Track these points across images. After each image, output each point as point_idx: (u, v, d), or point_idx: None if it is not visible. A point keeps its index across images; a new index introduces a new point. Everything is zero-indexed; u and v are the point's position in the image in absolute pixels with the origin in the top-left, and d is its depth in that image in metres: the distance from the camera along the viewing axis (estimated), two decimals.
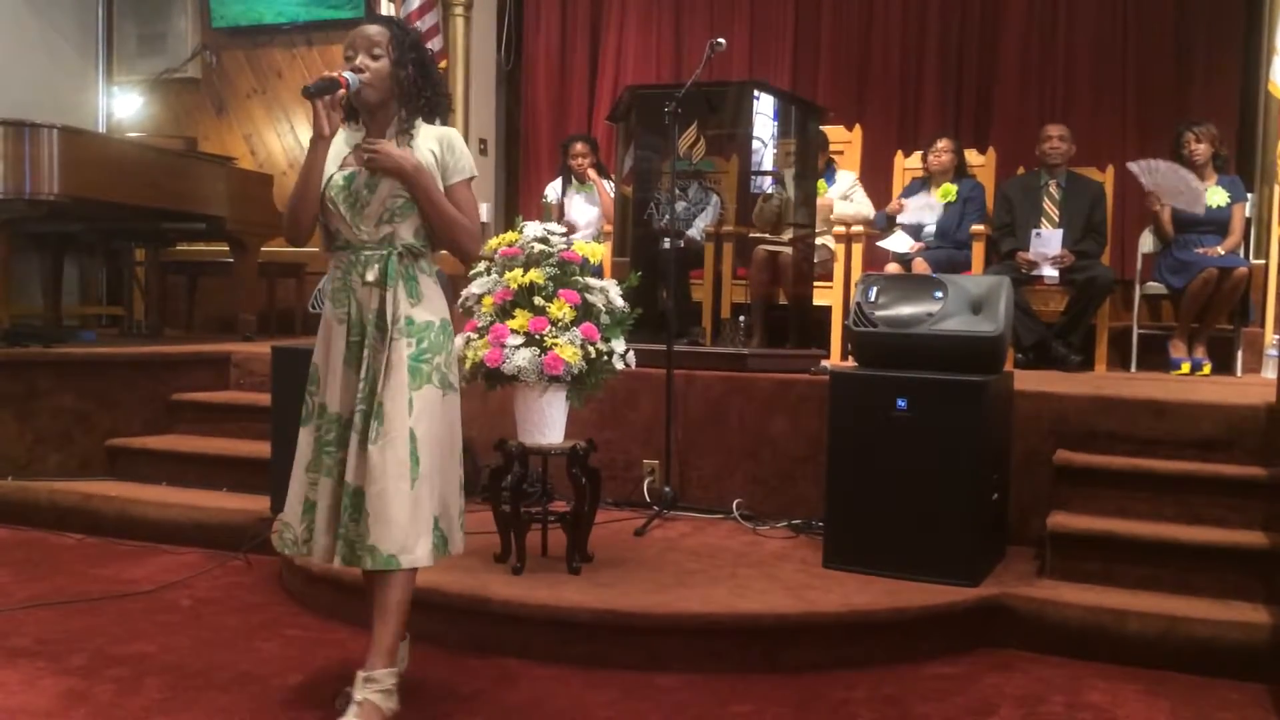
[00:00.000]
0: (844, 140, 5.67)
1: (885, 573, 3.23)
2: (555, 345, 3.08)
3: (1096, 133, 5.88)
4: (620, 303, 3.25)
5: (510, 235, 3.26)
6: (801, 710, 2.65)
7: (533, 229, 3.23)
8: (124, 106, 7.62)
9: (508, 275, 3.16)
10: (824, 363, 4.40)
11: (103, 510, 4.25)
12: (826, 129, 5.35)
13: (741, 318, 4.51)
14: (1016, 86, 6.12)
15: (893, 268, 5.16)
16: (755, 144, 4.67)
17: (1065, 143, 5.26)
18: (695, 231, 4.99)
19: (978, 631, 3.08)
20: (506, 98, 7.26)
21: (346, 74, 2.39)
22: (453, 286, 3.74)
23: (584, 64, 7.05)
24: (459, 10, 6.65)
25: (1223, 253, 4.92)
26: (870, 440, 3.30)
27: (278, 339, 5.45)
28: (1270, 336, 4.89)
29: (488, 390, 3.22)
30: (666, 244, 4.22)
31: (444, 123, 2.56)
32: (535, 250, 3.18)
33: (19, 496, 4.38)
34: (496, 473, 3.29)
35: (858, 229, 5.26)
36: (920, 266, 5.06)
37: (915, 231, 5.39)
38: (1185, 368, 4.89)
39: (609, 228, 5.50)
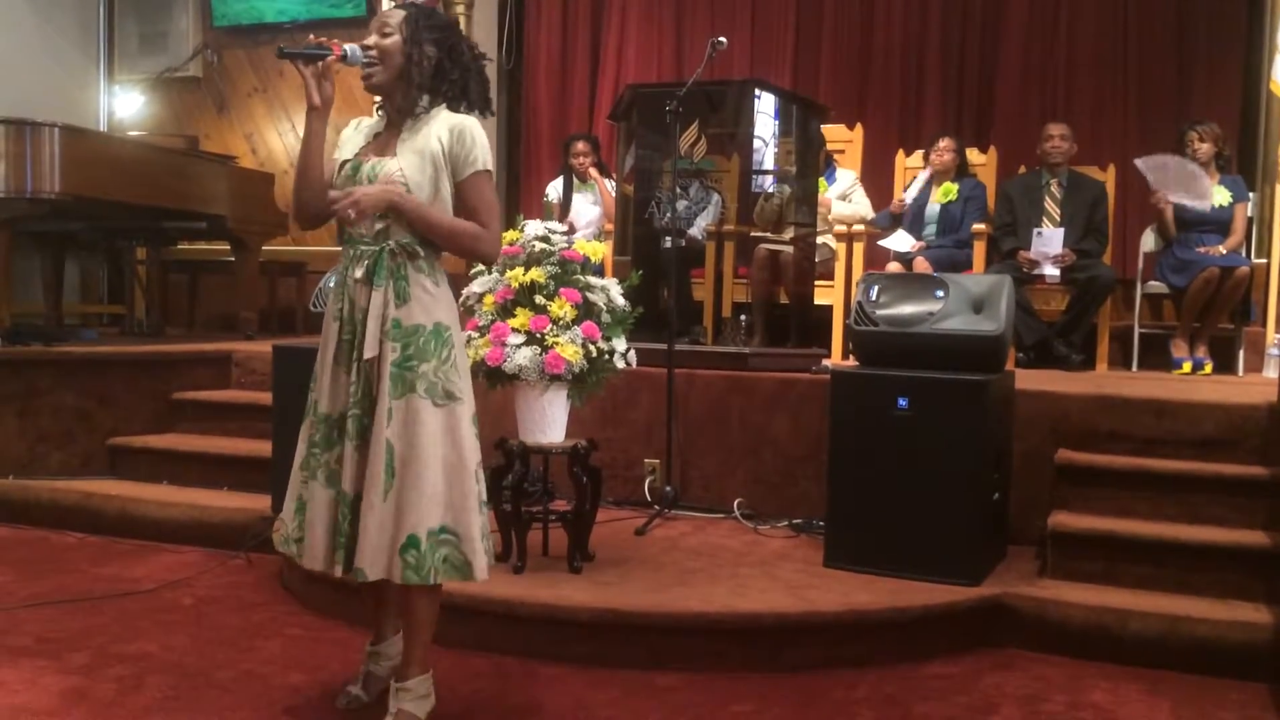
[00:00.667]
0: (845, 139, 5.67)
1: (886, 572, 3.23)
2: (556, 344, 3.08)
3: (1098, 132, 5.89)
4: (621, 302, 3.25)
5: (511, 234, 3.26)
6: (802, 709, 2.65)
7: (534, 228, 3.23)
8: (125, 105, 7.63)
9: (509, 274, 3.16)
10: (825, 362, 4.40)
11: (104, 509, 4.25)
12: (828, 128, 5.35)
13: (743, 317, 4.51)
14: (1018, 85, 6.12)
15: (894, 267, 5.16)
16: (756, 143, 4.67)
17: (1067, 142, 5.25)
18: (696, 230, 4.98)
19: (979, 631, 3.08)
20: (508, 96, 7.26)
21: (346, 45, 2.27)
22: (454, 285, 3.74)
23: (585, 62, 7.05)
24: (460, 9, 6.64)
25: (1224, 252, 4.92)
26: (871, 440, 3.29)
27: (279, 338, 5.45)
28: (1272, 336, 4.89)
29: (489, 389, 3.22)
30: (668, 243, 4.22)
31: (483, 113, 2.41)
32: (536, 249, 3.18)
33: (20, 495, 4.38)
34: (498, 472, 3.28)
35: (859, 228, 5.26)
36: (921, 265, 5.05)
37: (916, 224, 5.37)
38: (1187, 367, 4.89)
39: (610, 226, 5.50)
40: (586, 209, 5.85)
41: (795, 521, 3.85)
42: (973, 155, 5.56)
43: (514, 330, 3.10)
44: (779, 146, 4.86)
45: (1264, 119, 5.44)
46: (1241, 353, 5.05)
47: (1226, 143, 5.20)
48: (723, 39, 4.21)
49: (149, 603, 3.39)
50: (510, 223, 3.29)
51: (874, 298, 3.47)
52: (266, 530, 3.68)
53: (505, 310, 3.16)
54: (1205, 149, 5.04)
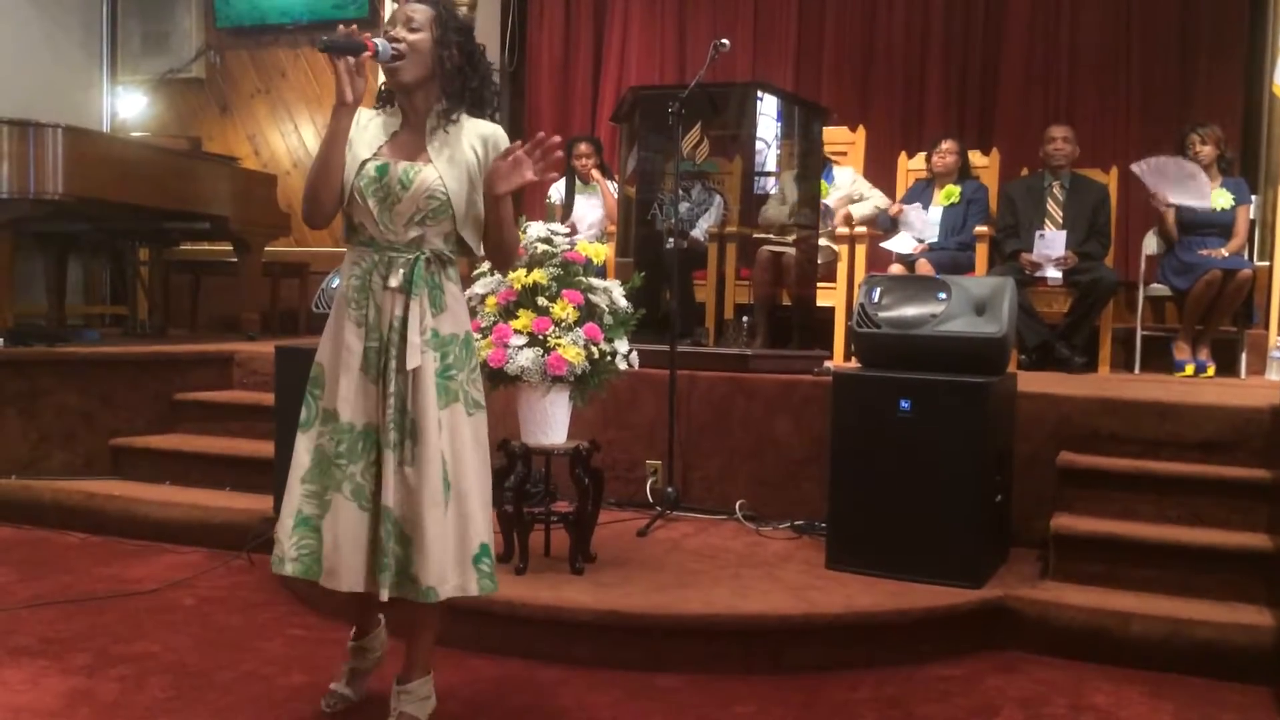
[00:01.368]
0: (847, 141, 5.67)
1: (888, 574, 3.23)
2: (558, 346, 3.08)
3: (1100, 134, 5.89)
4: (623, 303, 3.25)
5: None
6: (804, 711, 2.65)
7: (536, 229, 3.23)
8: (128, 106, 7.64)
9: (511, 275, 3.16)
10: (827, 364, 4.40)
11: (106, 509, 4.25)
12: (830, 130, 5.35)
13: (745, 318, 4.51)
14: (1020, 88, 6.11)
15: (896, 269, 5.16)
16: (759, 145, 4.67)
17: (1069, 144, 5.25)
18: (699, 232, 4.99)
19: (981, 633, 3.08)
20: (510, 98, 7.26)
21: (377, 40, 2.20)
22: None
23: (587, 64, 7.05)
24: (462, 11, 6.64)
25: (1227, 254, 4.91)
26: (873, 441, 3.29)
27: (281, 339, 5.46)
28: (1274, 339, 4.89)
29: (491, 390, 3.21)
30: (670, 244, 4.22)
31: (491, 119, 2.37)
32: (539, 250, 3.18)
33: (23, 495, 4.38)
34: (500, 473, 3.28)
35: (860, 230, 5.27)
36: (924, 268, 5.06)
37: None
38: (1189, 369, 4.89)
39: (612, 228, 5.51)
40: (589, 210, 5.86)
41: (797, 523, 3.85)
42: (975, 157, 5.56)
43: (516, 332, 3.10)
44: (781, 148, 4.86)
45: (1266, 121, 5.43)
46: (1244, 355, 5.06)
47: (1228, 145, 5.20)
48: (725, 41, 4.21)
49: (151, 603, 3.39)
50: None
51: (876, 300, 3.48)
52: (268, 530, 3.67)
53: (508, 312, 3.16)
54: (1207, 151, 5.04)
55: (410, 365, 2.22)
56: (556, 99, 7.10)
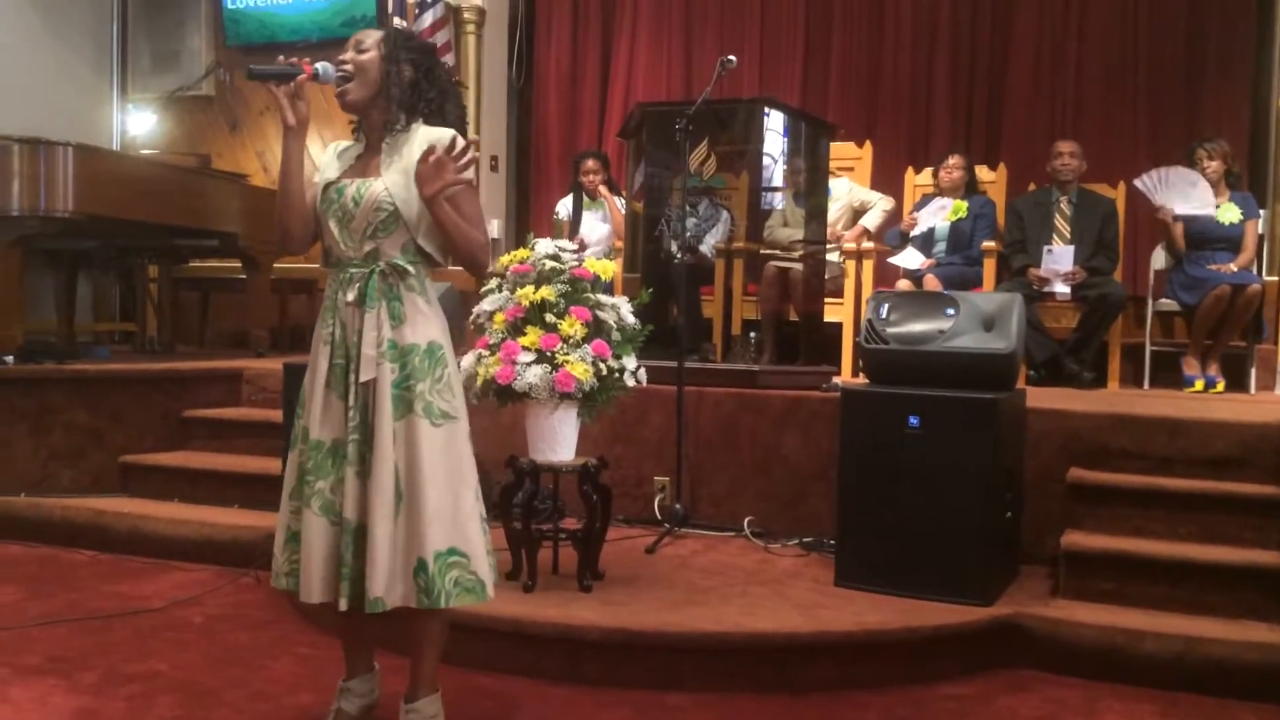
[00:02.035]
0: (854, 156, 5.68)
1: (897, 592, 3.22)
2: (566, 362, 3.08)
3: (1108, 149, 5.88)
4: (631, 319, 3.25)
5: (521, 252, 3.26)
6: None
7: (544, 246, 3.24)
8: (138, 124, 7.68)
9: (519, 292, 3.16)
10: (835, 380, 4.39)
11: (115, 527, 4.25)
12: (837, 145, 5.36)
13: (752, 334, 4.51)
14: (1027, 103, 6.12)
15: (904, 284, 5.16)
16: (765, 160, 4.68)
17: (1076, 159, 5.25)
18: (706, 248, 4.99)
19: (991, 652, 3.06)
20: (518, 114, 7.29)
21: (317, 65, 2.26)
22: (464, 303, 3.75)
23: (595, 80, 7.08)
24: (470, 28, 6.68)
25: (1235, 269, 4.90)
26: (882, 458, 3.28)
27: (290, 355, 5.47)
28: None
29: (499, 407, 3.22)
30: (677, 260, 4.22)
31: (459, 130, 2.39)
32: (546, 267, 3.19)
33: (32, 513, 4.39)
34: (508, 490, 3.28)
35: (868, 245, 5.27)
36: (931, 283, 5.05)
37: (927, 242, 5.38)
38: (1199, 385, 4.87)
39: (620, 244, 5.52)
40: (596, 226, 5.87)
41: (806, 540, 3.83)
42: (982, 172, 5.56)
43: (524, 348, 3.10)
44: (788, 164, 4.87)
45: (1273, 136, 5.42)
46: (1254, 371, 5.04)
47: (1236, 160, 5.19)
48: (732, 58, 4.22)
49: (159, 621, 3.39)
50: (520, 241, 3.29)
51: (884, 315, 3.47)
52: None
53: (515, 328, 3.16)
54: (1215, 166, 5.03)
55: (363, 378, 2.26)
56: (564, 115, 7.12)
